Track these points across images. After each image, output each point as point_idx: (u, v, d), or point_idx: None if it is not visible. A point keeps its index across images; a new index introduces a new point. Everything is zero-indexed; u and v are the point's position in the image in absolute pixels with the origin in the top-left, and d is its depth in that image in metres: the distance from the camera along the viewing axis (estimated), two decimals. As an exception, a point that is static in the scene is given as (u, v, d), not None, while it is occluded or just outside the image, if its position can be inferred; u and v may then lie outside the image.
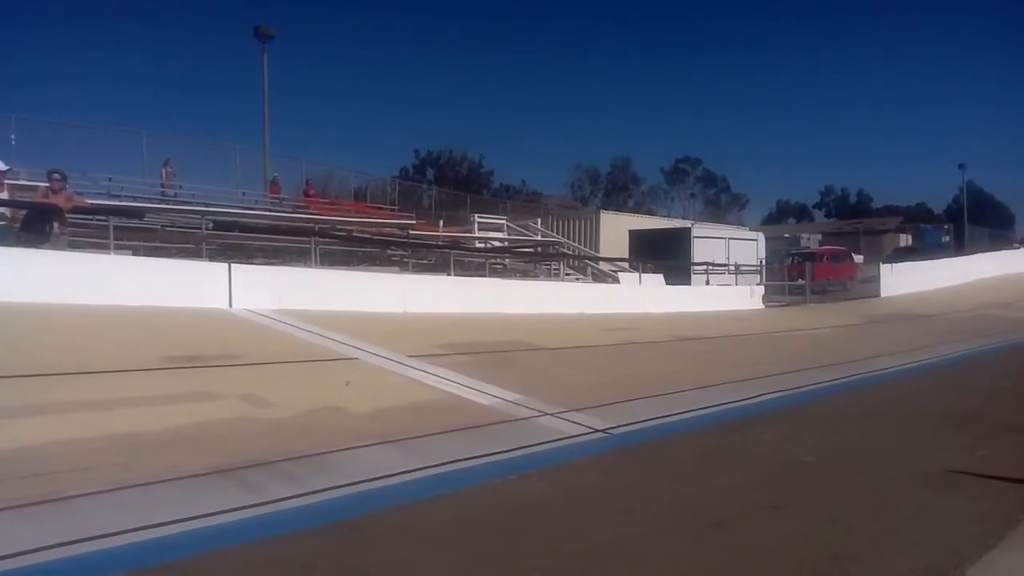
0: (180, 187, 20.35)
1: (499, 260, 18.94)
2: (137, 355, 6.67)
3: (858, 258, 30.94)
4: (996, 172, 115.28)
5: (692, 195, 73.18)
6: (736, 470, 4.73)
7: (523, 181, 68.13)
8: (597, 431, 5.58)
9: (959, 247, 39.48)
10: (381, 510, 3.71)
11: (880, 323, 17.44)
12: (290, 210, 21.56)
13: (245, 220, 16.82)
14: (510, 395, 6.51)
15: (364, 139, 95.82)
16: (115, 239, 10.72)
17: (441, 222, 24.78)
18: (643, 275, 19.27)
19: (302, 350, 7.97)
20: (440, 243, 19.12)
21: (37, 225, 9.38)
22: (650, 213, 54.13)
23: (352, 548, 3.20)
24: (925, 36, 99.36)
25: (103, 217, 11.51)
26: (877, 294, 24.25)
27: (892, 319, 18.24)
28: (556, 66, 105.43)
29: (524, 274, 18.74)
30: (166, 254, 12.33)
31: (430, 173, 62.97)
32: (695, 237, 24.02)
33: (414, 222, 22.85)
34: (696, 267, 21.57)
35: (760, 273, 22.75)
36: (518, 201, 44.49)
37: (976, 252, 34.65)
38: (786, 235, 46.31)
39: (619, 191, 71.89)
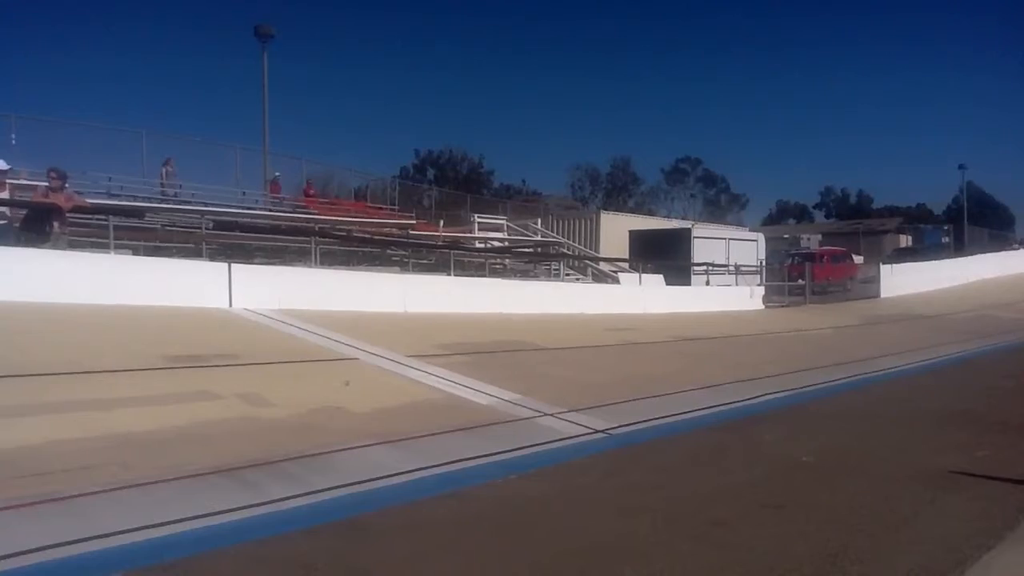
0: (180, 187, 20.31)
1: (499, 260, 18.95)
2: (137, 355, 6.67)
3: (858, 259, 30.93)
4: (996, 173, 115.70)
5: (692, 195, 73.23)
6: (736, 470, 4.73)
7: (523, 181, 68.13)
8: (597, 431, 5.58)
9: (959, 248, 39.51)
10: (381, 510, 3.71)
11: (880, 324, 17.44)
12: (290, 210, 21.54)
13: (245, 220, 16.82)
14: (510, 395, 6.51)
15: (364, 139, 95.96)
16: (115, 239, 10.72)
17: (441, 222, 24.76)
18: (643, 275, 19.28)
19: (302, 350, 7.97)
20: (440, 243, 19.12)
21: (37, 224, 9.38)
22: (650, 213, 54.10)
23: (352, 548, 3.20)
24: (926, 36, 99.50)
25: (103, 216, 11.50)
26: (877, 295, 24.26)
27: (892, 320, 18.25)
28: (556, 66, 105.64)
29: (524, 274, 18.74)
30: (166, 254, 12.33)
31: (430, 173, 62.99)
32: (695, 237, 24.02)
33: (414, 222, 22.85)
34: (696, 267, 21.57)
35: (760, 274, 22.75)
36: (518, 201, 44.49)
37: (976, 253, 34.67)
38: (786, 235, 46.27)
39: (619, 191, 71.89)
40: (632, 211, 53.87)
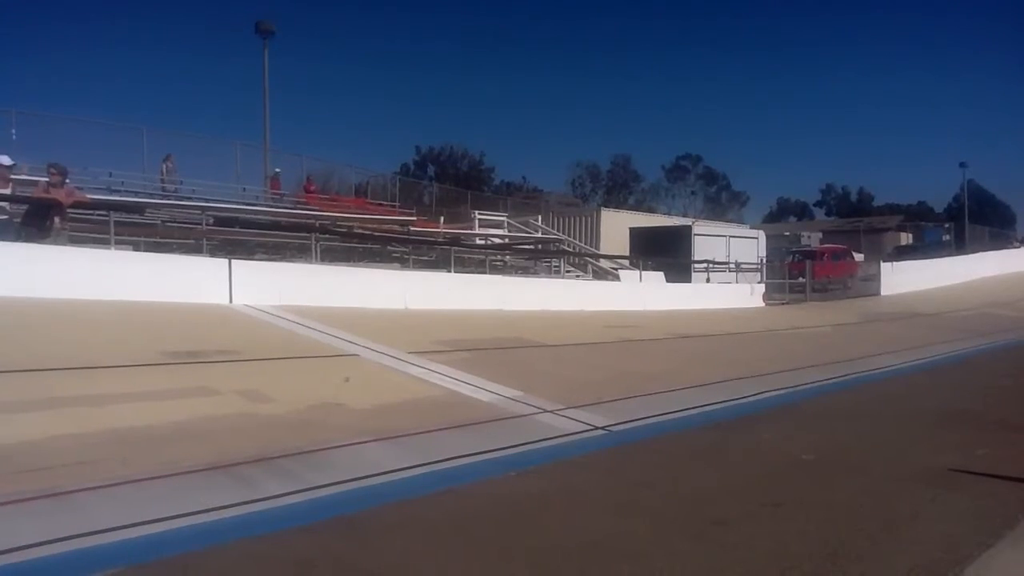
0: (181, 183, 20.31)
1: (499, 257, 18.94)
2: (136, 350, 6.66)
3: (859, 256, 30.88)
4: (997, 171, 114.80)
5: (693, 193, 73.02)
6: (736, 468, 4.72)
7: (524, 178, 67.93)
8: (597, 428, 5.57)
9: (960, 246, 39.44)
10: (380, 506, 3.70)
11: (880, 322, 17.43)
12: (291, 206, 21.52)
13: (246, 216, 16.80)
14: (510, 392, 6.51)
15: (365, 135, 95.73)
16: (116, 234, 10.69)
17: (442, 219, 24.74)
18: (643, 273, 19.28)
19: (302, 346, 7.97)
20: (441, 240, 19.12)
21: (38, 220, 9.36)
22: (651, 211, 54.11)
23: (350, 545, 3.20)
24: (927, 35, 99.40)
25: (104, 212, 11.47)
26: (877, 292, 24.26)
27: (892, 318, 18.24)
28: (557, 63, 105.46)
29: (524, 271, 18.73)
30: (167, 250, 12.32)
31: (431, 170, 62.89)
32: (696, 235, 24.02)
33: (415, 219, 22.84)
34: (697, 265, 21.56)
35: (760, 271, 22.76)
36: (519, 198, 44.34)
37: (977, 251, 34.64)
38: (787, 233, 46.33)
39: (620, 188, 71.76)
40: (633, 208, 53.89)
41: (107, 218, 10.87)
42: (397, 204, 27.04)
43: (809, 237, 43.13)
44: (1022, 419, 6.39)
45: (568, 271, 20.04)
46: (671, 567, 3.03)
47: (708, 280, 21.07)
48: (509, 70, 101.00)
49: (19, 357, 5.87)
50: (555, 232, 26.15)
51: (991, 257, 33.17)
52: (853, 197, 78.81)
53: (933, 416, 6.54)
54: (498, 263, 18.44)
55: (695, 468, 4.75)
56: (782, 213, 79.82)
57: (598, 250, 26.16)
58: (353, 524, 3.46)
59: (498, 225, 23.60)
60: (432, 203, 32.72)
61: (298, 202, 22.63)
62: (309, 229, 15.31)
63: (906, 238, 48.57)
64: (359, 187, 29.19)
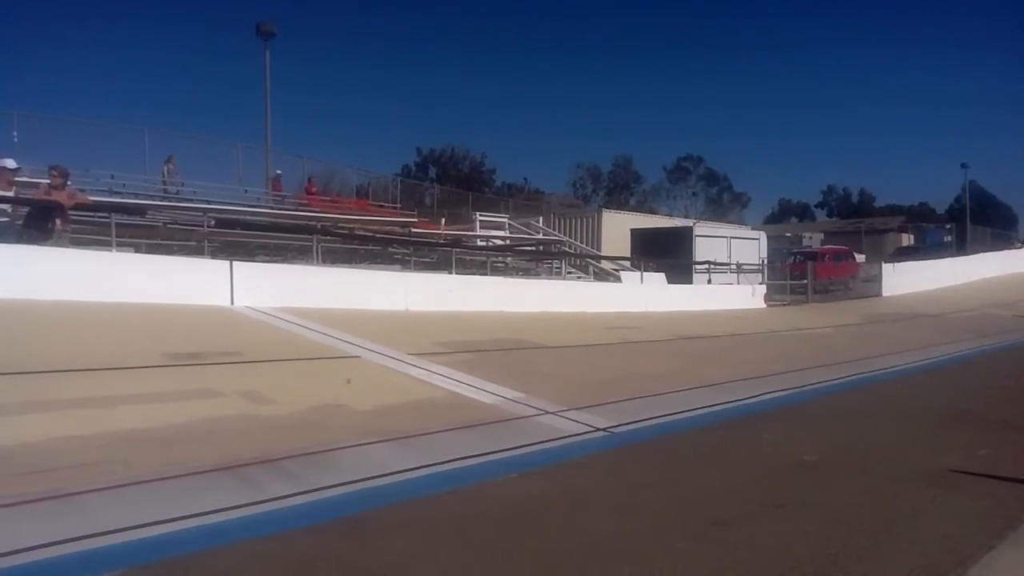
0: (182, 184, 20.32)
1: (501, 259, 18.93)
2: (139, 352, 6.68)
3: (860, 257, 30.86)
4: (999, 172, 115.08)
5: (694, 194, 72.92)
6: (737, 469, 4.73)
7: (525, 179, 67.80)
8: (598, 429, 5.58)
9: (961, 247, 39.35)
10: (382, 507, 3.71)
11: (882, 323, 17.43)
12: (292, 208, 21.52)
13: (247, 218, 16.82)
14: (511, 393, 6.51)
15: (366, 137, 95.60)
16: (117, 236, 10.70)
17: (443, 220, 24.73)
18: (645, 274, 19.27)
19: (303, 348, 7.98)
20: (442, 241, 19.11)
21: (39, 222, 9.38)
22: (652, 212, 54.01)
23: (353, 545, 3.21)
24: (928, 35, 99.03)
25: (105, 214, 11.49)
26: (879, 293, 24.26)
27: (894, 319, 18.23)
28: (558, 64, 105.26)
29: (526, 273, 18.72)
30: (168, 251, 12.31)
31: (432, 171, 62.84)
32: (697, 236, 24.01)
33: (416, 220, 22.84)
34: (698, 266, 21.56)
35: (762, 272, 22.75)
36: (520, 199, 44.36)
37: (978, 252, 34.58)
38: (788, 234, 46.24)
39: (621, 190, 71.70)
40: (634, 209, 53.81)
41: (108, 220, 10.89)
42: (398, 205, 27.04)
43: (810, 238, 43.04)
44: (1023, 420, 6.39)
45: (569, 272, 20.03)
46: (672, 567, 3.03)
47: (709, 281, 21.05)
48: (509, 70, 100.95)
49: (22, 359, 5.88)
50: (556, 233, 26.14)
51: (992, 258, 33.15)
52: (854, 198, 78.73)
53: (934, 416, 6.54)
54: (499, 265, 18.43)
55: (696, 469, 4.75)
56: (783, 214, 79.76)
57: (599, 251, 26.13)
58: (355, 525, 3.47)
59: (499, 226, 23.59)
60: (433, 204, 32.74)
61: (299, 204, 22.63)
62: (310, 231, 15.32)
63: (908, 239, 48.48)
64: (360, 188, 29.22)
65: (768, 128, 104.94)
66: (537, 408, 6.09)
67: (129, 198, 16.36)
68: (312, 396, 5.86)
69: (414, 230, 20.40)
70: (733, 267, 21.87)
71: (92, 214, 11.85)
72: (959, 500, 4.01)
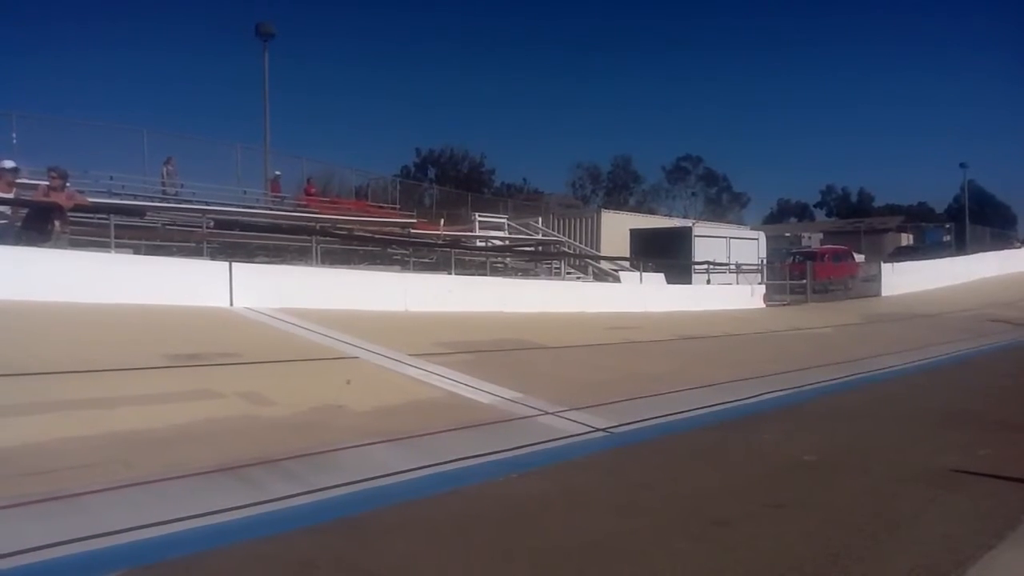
0: (181, 185, 20.31)
1: (500, 259, 18.92)
2: (138, 353, 6.67)
3: (859, 257, 30.88)
4: (998, 172, 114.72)
5: (693, 194, 72.99)
6: (737, 469, 4.73)
7: (524, 180, 67.83)
8: (598, 430, 5.58)
9: (960, 247, 39.37)
10: (382, 508, 3.71)
11: (881, 322, 17.44)
12: (291, 209, 21.51)
13: (246, 219, 16.80)
14: (511, 394, 6.51)
15: (365, 138, 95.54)
16: (116, 237, 10.70)
17: (442, 221, 24.72)
18: (644, 274, 19.27)
19: (303, 348, 7.98)
20: (441, 242, 19.10)
21: (38, 223, 9.37)
22: (651, 212, 54.01)
23: (353, 546, 3.21)
24: (927, 35, 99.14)
25: (104, 215, 11.48)
26: (878, 293, 24.26)
27: (893, 318, 18.24)
28: (558, 64, 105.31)
29: (525, 273, 18.72)
30: (167, 253, 12.31)
31: (431, 172, 62.82)
32: (696, 236, 24.01)
33: (415, 221, 22.82)
34: (697, 266, 21.56)
35: (761, 272, 22.75)
36: (519, 200, 44.37)
37: (977, 252, 34.60)
38: (787, 234, 46.25)
39: (620, 190, 71.73)
40: (633, 210, 53.82)
41: (107, 221, 10.88)
42: (397, 206, 27.03)
43: (810, 238, 43.06)
44: (1023, 419, 6.39)
45: (568, 273, 20.03)
46: (672, 568, 3.04)
47: (709, 281, 21.05)
48: (508, 70, 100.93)
49: (22, 360, 5.87)
50: (555, 234, 26.13)
51: (991, 257, 33.17)
52: (853, 198, 78.77)
53: (934, 416, 6.55)
54: (498, 265, 18.43)
55: (696, 469, 4.76)
56: (782, 214, 79.80)
57: (598, 252, 26.14)
58: (355, 525, 3.47)
59: (498, 227, 23.57)
60: (432, 205, 32.76)
61: (298, 205, 22.63)
62: (309, 232, 15.31)
63: (907, 239, 48.52)
64: (359, 189, 29.23)
65: (767, 128, 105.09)
66: (537, 408, 6.10)
67: (128, 199, 16.34)
68: (312, 397, 5.86)
69: (413, 231, 20.39)
70: (732, 267, 21.88)
71: (91, 215, 11.84)
72: (959, 500, 4.02)
